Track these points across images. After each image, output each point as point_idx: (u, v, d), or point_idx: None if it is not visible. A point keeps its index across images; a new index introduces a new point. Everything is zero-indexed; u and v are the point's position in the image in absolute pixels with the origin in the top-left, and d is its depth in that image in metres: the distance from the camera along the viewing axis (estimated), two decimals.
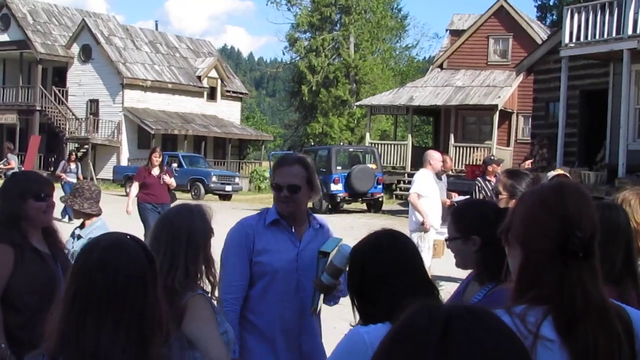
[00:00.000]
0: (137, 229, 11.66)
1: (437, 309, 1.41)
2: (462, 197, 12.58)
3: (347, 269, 3.02)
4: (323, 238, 4.39)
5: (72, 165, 23.48)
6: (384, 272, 2.82)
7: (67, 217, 19.81)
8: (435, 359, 1.33)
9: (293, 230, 4.39)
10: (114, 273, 2.30)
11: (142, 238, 10.17)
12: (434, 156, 11.98)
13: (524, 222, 2.35)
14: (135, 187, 14.78)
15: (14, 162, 25.46)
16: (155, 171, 14.68)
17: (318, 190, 4.51)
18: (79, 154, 45.15)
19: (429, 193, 11.34)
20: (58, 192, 20.45)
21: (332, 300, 4.30)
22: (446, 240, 3.49)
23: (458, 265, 3.48)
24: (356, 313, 2.91)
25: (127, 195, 19.93)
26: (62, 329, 2.28)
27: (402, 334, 1.41)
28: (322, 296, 4.18)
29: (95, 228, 6.14)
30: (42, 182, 4.47)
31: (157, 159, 14.81)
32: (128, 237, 2.48)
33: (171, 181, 14.96)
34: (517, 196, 4.49)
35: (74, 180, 21.81)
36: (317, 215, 4.71)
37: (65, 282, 2.40)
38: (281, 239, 4.34)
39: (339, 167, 28.53)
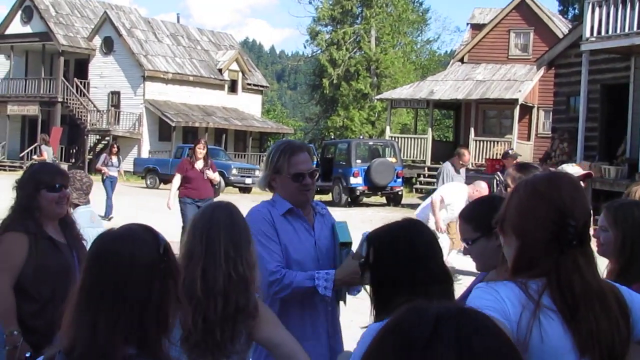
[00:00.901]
0: (164, 224, 11.70)
1: (427, 309, 1.41)
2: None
3: (362, 260, 2.93)
4: (328, 223, 4.34)
5: (114, 159, 21.65)
6: (402, 262, 2.75)
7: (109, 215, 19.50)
8: (423, 358, 1.33)
9: (306, 219, 4.29)
10: (125, 262, 2.28)
11: (180, 235, 10.10)
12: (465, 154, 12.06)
13: (519, 212, 2.41)
14: (177, 180, 14.01)
15: (46, 153, 25.29)
16: (199, 164, 13.86)
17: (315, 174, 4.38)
18: (100, 147, 45.51)
19: (453, 203, 11.13)
20: (99, 188, 19.82)
21: (355, 289, 4.21)
22: (466, 245, 3.37)
23: (481, 268, 3.36)
24: (371, 309, 2.83)
25: (164, 188, 19.63)
26: (72, 322, 2.27)
27: (391, 333, 1.41)
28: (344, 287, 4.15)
29: (79, 215, 5.74)
30: (55, 173, 4.49)
31: (201, 151, 13.96)
32: (143, 227, 2.44)
33: (215, 176, 14.17)
34: None
35: (116, 175, 21.34)
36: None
37: (80, 273, 2.39)
38: (299, 229, 4.21)
39: (358, 161, 28.51)
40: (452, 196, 11.17)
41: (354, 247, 3.84)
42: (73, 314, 2.29)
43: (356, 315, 3.99)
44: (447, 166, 13.23)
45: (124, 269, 2.28)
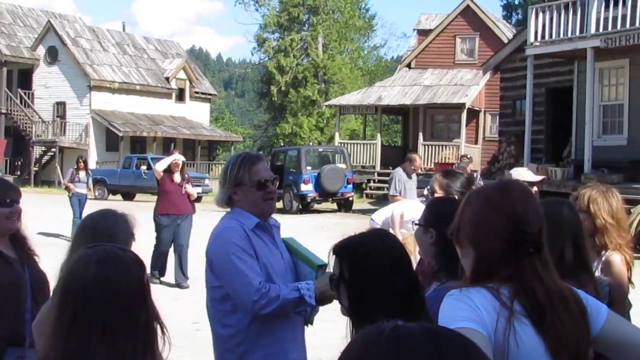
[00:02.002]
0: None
1: (389, 330, 1.39)
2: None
3: (334, 277, 2.82)
4: (279, 235, 4.29)
5: (82, 174, 19.62)
6: (379, 274, 2.69)
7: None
8: None
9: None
10: (115, 289, 2.26)
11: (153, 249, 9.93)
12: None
13: (473, 223, 2.44)
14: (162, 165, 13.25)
15: None
16: (177, 178, 13.12)
17: None
18: (46, 158, 44.88)
19: (414, 218, 11.20)
20: (65, 205, 18.83)
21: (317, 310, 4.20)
22: (414, 224, 3.60)
23: (420, 254, 3.61)
24: (349, 328, 2.74)
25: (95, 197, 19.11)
26: (59, 348, 2.22)
27: (354, 352, 1.39)
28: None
29: None
30: (6, 188, 4.37)
31: (178, 163, 13.23)
32: (120, 249, 2.43)
33: (193, 190, 13.47)
34: (452, 195, 4.66)
35: (84, 192, 19.42)
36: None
37: (55, 296, 2.33)
38: (268, 243, 4.13)
39: (309, 167, 28.54)
40: (412, 212, 11.21)
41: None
42: (59, 341, 2.24)
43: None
44: (398, 171, 13.25)
45: (122, 295, 2.26)
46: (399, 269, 2.73)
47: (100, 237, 3.35)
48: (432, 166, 32.32)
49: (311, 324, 4.24)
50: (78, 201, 18.94)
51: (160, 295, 2.33)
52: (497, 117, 31.57)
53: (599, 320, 2.43)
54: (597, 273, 4.33)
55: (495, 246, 2.37)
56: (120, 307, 2.25)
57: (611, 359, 2.51)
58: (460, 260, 2.55)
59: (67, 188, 19.66)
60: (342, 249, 2.82)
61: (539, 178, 7.46)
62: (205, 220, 12.77)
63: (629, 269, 4.49)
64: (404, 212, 11.11)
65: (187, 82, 50.93)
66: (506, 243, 2.36)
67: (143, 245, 3.27)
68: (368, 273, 2.70)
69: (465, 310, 2.27)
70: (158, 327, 2.39)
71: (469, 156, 14.88)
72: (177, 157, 13.35)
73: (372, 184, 34.63)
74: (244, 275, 3.86)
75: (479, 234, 2.41)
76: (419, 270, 5.10)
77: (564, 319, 2.33)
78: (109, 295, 2.25)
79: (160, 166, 13.24)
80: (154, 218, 13.04)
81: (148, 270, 2.61)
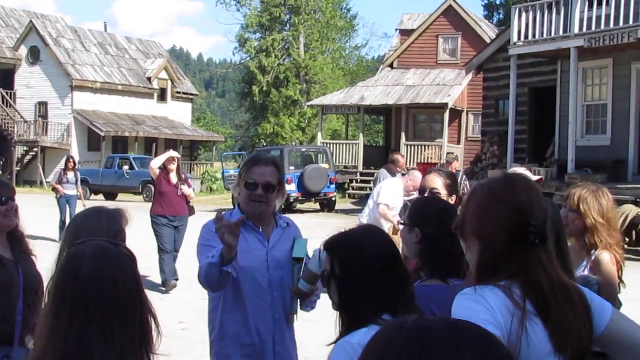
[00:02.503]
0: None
1: (412, 322, 1.42)
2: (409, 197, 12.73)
3: (325, 272, 2.87)
4: (290, 236, 4.40)
5: (70, 175, 18.62)
6: (368, 273, 2.74)
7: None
8: None
9: (260, 230, 4.36)
10: (112, 284, 2.25)
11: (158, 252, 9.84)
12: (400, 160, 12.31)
13: (479, 216, 2.44)
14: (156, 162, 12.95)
15: None
16: (173, 178, 12.79)
17: (285, 193, 4.48)
18: (28, 158, 44.61)
19: (396, 202, 11.32)
20: (49, 205, 18.24)
21: (308, 305, 4.24)
22: (399, 223, 3.69)
23: (406, 253, 3.61)
24: (338, 323, 2.80)
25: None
26: (58, 345, 2.21)
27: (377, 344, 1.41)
28: (297, 302, 4.17)
29: None
30: (0, 185, 4.37)
31: (173, 162, 12.84)
32: (111, 243, 2.42)
33: (190, 192, 13.20)
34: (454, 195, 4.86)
35: (73, 193, 18.50)
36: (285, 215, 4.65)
37: (53, 295, 2.31)
38: (250, 239, 4.28)
39: (291, 167, 28.51)
40: (393, 197, 11.25)
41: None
42: (58, 338, 2.23)
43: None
44: (383, 172, 13.37)
45: (120, 288, 2.26)
46: (389, 265, 2.77)
47: (88, 235, 3.35)
48: (415, 166, 32.36)
49: (296, 313, 4.29)
50: (67, 202, 18.26)
51: (147, 293, 2.34)
52: (480, 116, 31.67)
53: (603, 319, 2.43)
54: (586, 272, 4.35)
55: (500, 238, 2.37)
56: (117, 302, 2.24)
57: (614, 359, 2.51)
58: (465, 255, 2.54)
59: (54, 189, 18.80)
60: (333, 245, 2.87)
61: (536, 178, 7.48)
62: (191, 221, 12.75)
63: (620, 268, 4.49)
64: (388, 203, 11.18)
65: (169, 82, 50.78)
66: (511, 234, 2.36)
67: (134, 243, 3.26)
68: (357, 268, 2.73)
69: (481, 311, 2.27)
70: (152, 320, 2.39)
71: (454, 154, 15.00)
72: (172, 153, 13.03)
73: (354, 183, 34.65)
74: (200, 263, 4.16)
75: (483, 226, 2.42)
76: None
77: (567, 312, 2.33)
78: (106, 291, 2.24)
79: (155, 163, 12.90)
80: (151, 218, 12.75)
81: (148, 271, 2.59)
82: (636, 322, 2.49)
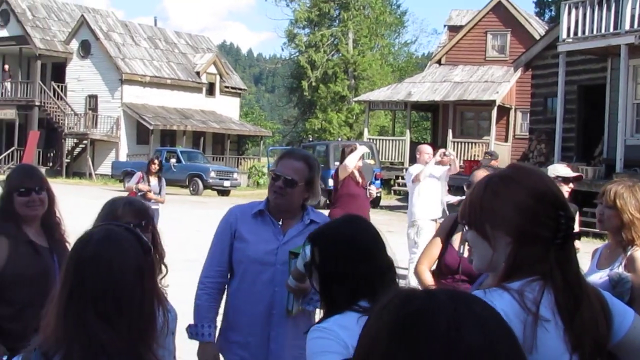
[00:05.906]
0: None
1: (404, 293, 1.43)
2: (456, 198, 12.70)
3: (307, 262, 2.94)
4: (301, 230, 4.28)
5: (153, 182, 14.38)
6: (345, 257, 2.78)
7: None
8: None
9: (280, 223, 4.27)
10: (107, 266, 2.26)
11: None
12: (425, 150, 12.43)
13: (513, 212, 2.31)
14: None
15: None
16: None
17: (317, 194, 4.28)
18: (77, 150, 45.21)
19: (424, 182, 11.68)
20: (101, 198, 18.90)
21: (310, 303, 4.10)
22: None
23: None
24: (321, 309, 2.88)
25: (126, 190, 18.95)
26: (59, 324, 2.25)
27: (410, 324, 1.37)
28: (293, 298, 4.07)
29: None
30: (24, 175, 4.42)
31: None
32: (123, 227, 2.43)
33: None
34: None
35: (156, 207, 13.43)
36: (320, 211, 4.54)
37: (61, 276, 2.35)
38: (264, 230, 4.24)
39: (336, 163, 28.41)
40: (418, 169, 11.80)
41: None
42: (58, 317, 2.26)
43: None
44: (416, 168, 12.95)
45: (115, 273, 2.27)
46: (369, 254, 2.82)
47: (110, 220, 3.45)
48: (462, 163, 32.14)
49: (291, 310, 4.19)
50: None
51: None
52: (528, 114, 31.36)
53: (624, 324, 2.35)
54: (621, 269, 4.28)
55: (537, 234, 2.27)
56: (113, 285, 2.25)
57: None
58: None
59: (140, 191, 13.92)
60: (315, 235, 2.96)
61: (574, 174, 7.24)
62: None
63: None
64: (419, 174, 11.58)
65: (218, 77, 51.04)
66: (549, 231, 2.27)
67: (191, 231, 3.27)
68: (334, 255, 2.81)
69: None
70: (161, 311, 2.41)
71: (494, 153, 14.83)
72: (362, 149, 11.54)
73: (400, 180, 34.51)
74: (209, 257, 4.40)
75: (519, 223, 2.29)
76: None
77: (585, 313, 2.25)
78: (101, 272, 2.26)
79: (351, 162, 11.28)
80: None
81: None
82: None
